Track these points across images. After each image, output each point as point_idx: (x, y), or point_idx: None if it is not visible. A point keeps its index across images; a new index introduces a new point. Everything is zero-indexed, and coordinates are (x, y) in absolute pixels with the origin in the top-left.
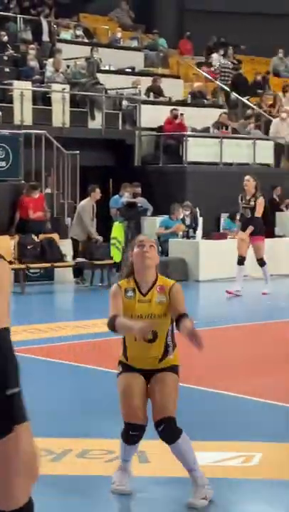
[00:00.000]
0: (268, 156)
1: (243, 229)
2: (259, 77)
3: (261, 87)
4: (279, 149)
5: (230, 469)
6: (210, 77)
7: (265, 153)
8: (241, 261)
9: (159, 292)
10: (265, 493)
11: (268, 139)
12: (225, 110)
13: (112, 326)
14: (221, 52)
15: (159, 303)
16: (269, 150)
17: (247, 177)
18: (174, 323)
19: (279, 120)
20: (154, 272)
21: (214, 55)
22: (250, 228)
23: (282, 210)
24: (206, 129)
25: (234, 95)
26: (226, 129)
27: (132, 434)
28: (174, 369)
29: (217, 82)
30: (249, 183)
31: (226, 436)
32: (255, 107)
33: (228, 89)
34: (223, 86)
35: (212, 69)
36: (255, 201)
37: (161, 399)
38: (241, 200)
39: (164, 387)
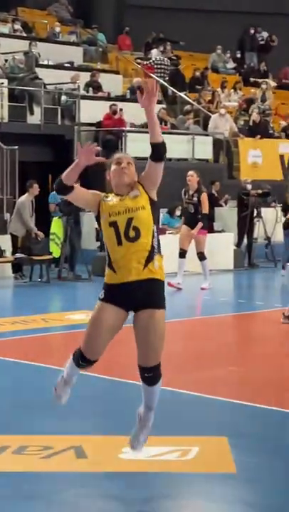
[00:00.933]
0: (206, 152)
1: (187, 223)
2: (198, 73)
3: (200, 83)
4: (218, 145)
5: (167, 463)
6: (148, 73)
7: (203, 148)
8: (183, 254)
9: (132, 190)
10: (201, 486)
11: (206, 135)
12: (163, 106)
13: (59, 181)
14: (161, 48)
15: (134, 197)
16: (208, 145)
17: (190, 172)
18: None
19: (218, 116)
20: (132, 188)
21: (153, 51)
22: (200, 225)
23: (221, 206)
24: (145, 125)
25: (172, 91)
26: (165, 124)
27: (81, 364)
28: (161, 298)
29: (154, 76)
30: (192, 178)
31: (163, 430)
32: (193, 102)
33: (166, 85)
34: (160, 80)
35: (145, 62)
36: (198, 196)
37: (152, 344)
38: (184, 195)
39: (155, 331)
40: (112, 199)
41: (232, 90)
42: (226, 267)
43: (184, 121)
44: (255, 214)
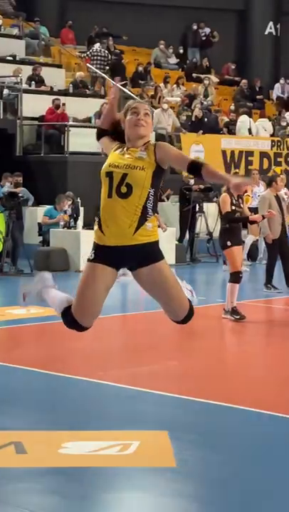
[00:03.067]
0: None
1: None
2: (141, 68)
3: (143, 78)
4: (160, 140)
5: (107, 458)
6: (87, 65)
7: None
8: None
9: (141, 150)
10: (141, 480)
11: None
12: (105, 101)
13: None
14: (104, 42)
15: (138, 158)
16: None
17: None
18: (190, 173)
19: (160, 111)
20: (147, 140)
21: (96, 45)
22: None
23: (163, 201)
24: (88, 119)
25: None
26: None
27: (71, 328)
28: (157, 253)
29: (92, 67)
30: None
31: (103, 425)
32: (136, 97)
33: (106, 77)
34: (99, 72)
35: (83, 55)
36: None
37: (171, 295)
38: None
39: (166, 283)
40: (119, 151)
41: (175, 85)
42: (168, 261)
43: None
44: (197, 209)
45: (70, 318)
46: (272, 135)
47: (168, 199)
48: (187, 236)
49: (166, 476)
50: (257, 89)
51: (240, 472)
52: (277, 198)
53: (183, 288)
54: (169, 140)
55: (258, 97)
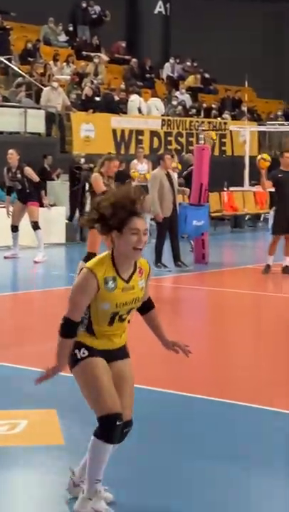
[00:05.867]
0: (39, 125)
1: (19, 199)
2: (30, 45)
3: (32, 55)
4: (50, 118)
5: None
6: None
7: (36, 122)
8: (14, 228)
9: (140, 277)
10: (29, 458)
11: (39, 108)
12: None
13: (66, 335)
14: None
15: (141, 289)
16: (40, 119)
17: (10, 151)
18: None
19: (50, 89)
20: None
21: None
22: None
23: (53, 179)
24: None
25: (3, 61)
26: None
27: (118, 425)
28: (127, 350)
29: None
30: (13, 156)
31: None
32: (25, 75)
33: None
34: None
35: None
36: (21, 173)
37: (129, 398)
38: (7, 173)
39: (129, 385)
40: (116, 285)
41: (64, 63)
42: (58, 240)
43: (15, 94)
44: (87, 188)
45: (103, 427)
46: (163, 114)
47: (58, 178)
48: (77, 215)
49: (54, 453)
50: (147, 68)
51: (127, 449)
52: (169, 176)
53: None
54: (60, 119)
55: (148, 76)
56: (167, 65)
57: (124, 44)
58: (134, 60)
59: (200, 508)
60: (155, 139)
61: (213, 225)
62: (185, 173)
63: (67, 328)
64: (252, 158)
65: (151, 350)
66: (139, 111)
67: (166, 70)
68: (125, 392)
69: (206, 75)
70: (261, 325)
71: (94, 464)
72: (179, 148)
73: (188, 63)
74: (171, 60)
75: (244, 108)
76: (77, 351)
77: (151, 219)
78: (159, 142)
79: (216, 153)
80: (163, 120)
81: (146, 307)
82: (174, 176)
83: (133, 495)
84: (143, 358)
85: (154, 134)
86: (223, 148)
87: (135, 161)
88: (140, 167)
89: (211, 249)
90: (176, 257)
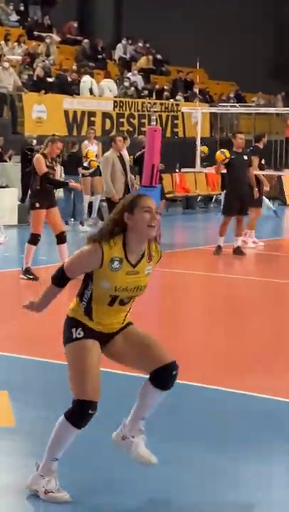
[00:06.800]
0: None
1: None
2: None
3: None
4: (1, 99)
5: None
6: None
7: None
8: None
9: (148, 262)
10: None
11: None
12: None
13: (56, 283)
14: None
15: (147, 275)
16: None
17: None
18: None
19: (1, 69)
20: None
21: None
22: None
23: (5, 161)
24: None
25: None
26: None
27: (90, 414)
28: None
29: None
30: None
31: None
32: None
33: None
34: None
35: None
36: None
37: (155, 343)
38: None
39: (150, 339)
40: (121, 267)
41: (15, 43)
42: (10, 222)
43: None
44: None
45: (76, 409)
46: (116, 96)
47: (10, 159)
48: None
49: (6, 436)
50: (99, 49)
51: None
52: (121, 158)
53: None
54: (11, 100)
55: (100, 57)
56: (119, 45)
57: (75, 24)
58: (85, 40)
59: (147, 484)
60: (107, 121)
61: (166, 206)
62: (137, 154)
63: (59, 277)
64: (204, 140)
65: None
66: (91, 92)
67: (119, 51)
68: (154, 345)
69: (158, 56)
70: (211, 305)
71: (55, 442)
72: (131, 129)
73: (141, 44)
74: (124, 41)
75: (196, 90)
76: (74, 330)
77: (102, 200)
78: (111, 124)
79: (168, 134)
80: (115, 102)
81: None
82: (127, 157)
83: (81, 469)
84: None
85: (106, 115)
86: (175, 129)
87: (86, 142)
88: (91, 148)
89: (162, 231)
90: None
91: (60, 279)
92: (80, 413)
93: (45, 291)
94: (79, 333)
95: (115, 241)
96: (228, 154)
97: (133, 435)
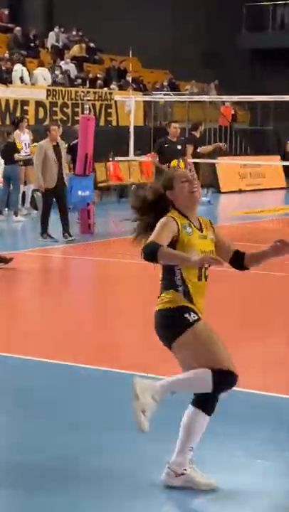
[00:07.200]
0: None
1: None
2: None
3: None
4: None
5: None
6: None
7: None
8: None
9: (208, 229)
10: None
11: None
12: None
13: (154, 252)
14: None
15: (211, 240)
16: None
17: None
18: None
19: None
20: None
21: None
22: None
23: None
24: None
25: None
26: None
27: (232, 385)
28: None
29: None
30: None
31: None
32: None
33: None
34: None
35: None
36: None
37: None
38: None
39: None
40: (192, 231)
41: None
42: None
43: None
44: None
45: (220, 380)
46: (49, 85)
47: None
48: None
49: None
50: (31, 37)
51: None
52: (57, 147)
53: None
54: None
55: (32, 45)
56: (52, 33)
57: (7, 12)
58: (17, 28)
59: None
60: (40, 110)
61: (99, 195)
62: (72, 143)
63: (152, 247)
64: (137, 128)
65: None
66: (22, 80)
67: (51, 39)
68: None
69: (92, 45)
70: (145, 292)
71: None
72: (65, 118)
73: (74, 32)
74: (56, 29)
75: (129, 78)
76: (187, 315)
77: (36, 190)
78: (45, 113)
79: (102, 123)
80: (48, 90)
81: (240, 257)
82: (63, 146)
83: None
84: None
85: (39, 104)
86: (108, 118)
87: (18, 131)
88: (23, 137)
89: (97, 220)
90: (64, 229)
91: (152, 247)
92: (226, 382)
93: (172, 255)
94: (194, 316)
95: (173, 214)
96: (182, 166)
97: (185, 468)
